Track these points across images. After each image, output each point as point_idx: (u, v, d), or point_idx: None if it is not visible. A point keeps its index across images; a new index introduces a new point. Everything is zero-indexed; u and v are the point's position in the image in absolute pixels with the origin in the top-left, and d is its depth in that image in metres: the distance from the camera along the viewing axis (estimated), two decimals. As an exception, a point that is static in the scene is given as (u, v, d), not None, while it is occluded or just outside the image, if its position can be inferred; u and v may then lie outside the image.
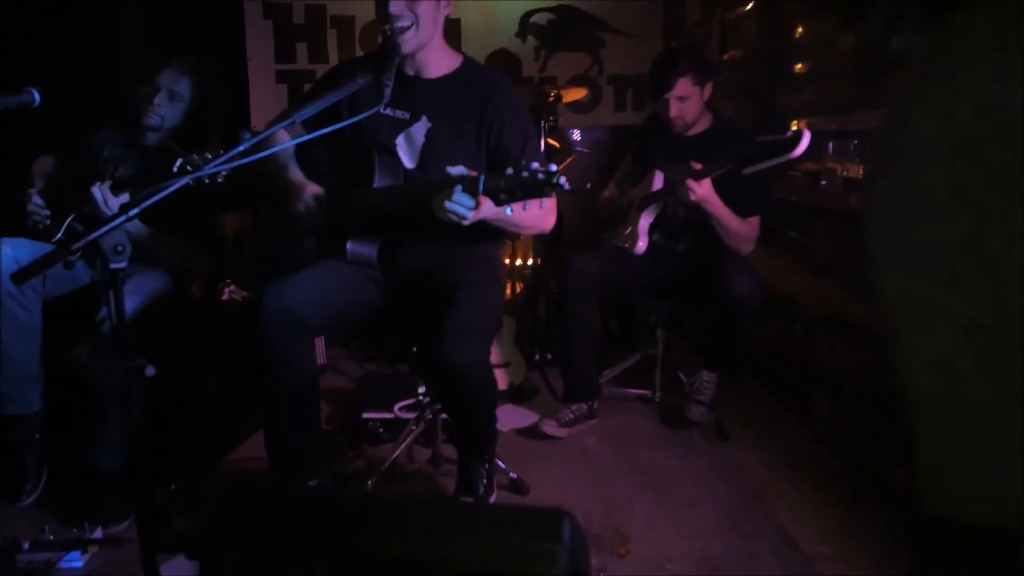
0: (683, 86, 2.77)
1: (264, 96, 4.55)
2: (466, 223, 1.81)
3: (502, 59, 4.62)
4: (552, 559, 0.82)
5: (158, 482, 2.21)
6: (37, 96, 2.08)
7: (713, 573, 2.00)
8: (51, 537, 1.99)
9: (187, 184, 1.59)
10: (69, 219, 2.36)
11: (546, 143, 3.74)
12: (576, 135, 4.87)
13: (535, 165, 1.67)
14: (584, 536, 0.84)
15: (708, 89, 2.83)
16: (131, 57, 4.19)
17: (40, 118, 2.09)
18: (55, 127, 2.67)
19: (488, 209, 1.78)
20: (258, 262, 3.11)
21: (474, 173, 1.75)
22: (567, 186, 1.66)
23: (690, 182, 2.56)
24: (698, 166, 2.57)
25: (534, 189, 1.67)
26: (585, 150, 4.65)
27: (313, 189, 2.14)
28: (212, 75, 2.68)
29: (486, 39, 4.62)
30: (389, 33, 2.04)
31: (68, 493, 2.26)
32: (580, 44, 4.66)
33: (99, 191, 2.15)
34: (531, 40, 4.66)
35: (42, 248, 2.24)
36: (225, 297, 3.30)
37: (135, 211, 1.66)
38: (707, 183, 2.57)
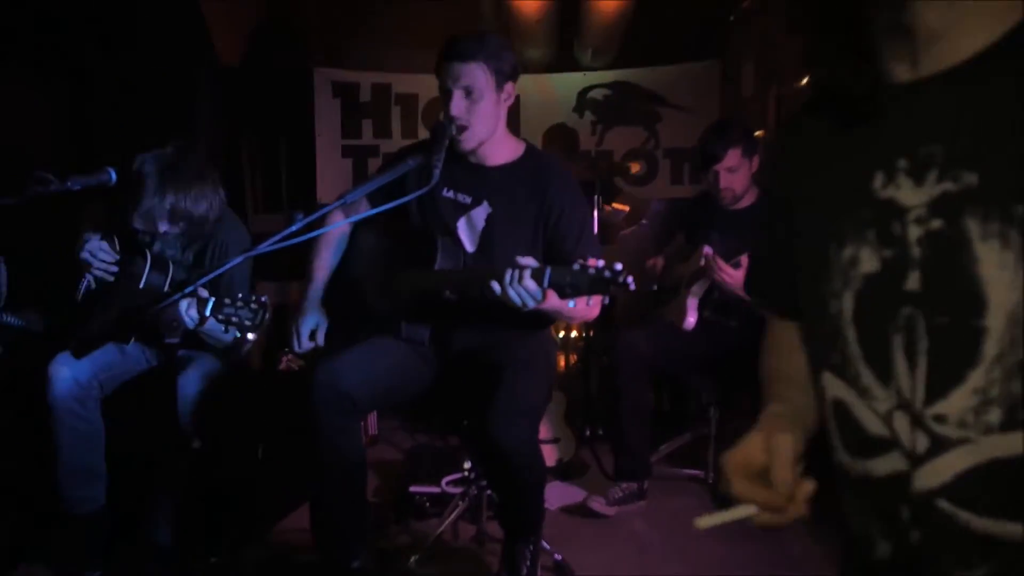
0: (733, 157, 2.78)
1: (331, 170, 4.73)
2: (525, 310, 1.84)
3: (561, 133, 4.71)
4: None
5: (203, 555, 2.24)
6: (114, 176, 2.22)
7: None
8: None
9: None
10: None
11: (614, 208, 3.77)
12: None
13: (601, 263, 1.69)
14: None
15: (756, 162, 2.83)
16: (205, 130, 4.44)
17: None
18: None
19: (552, 301, 1.80)
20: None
21: (541, 265, 1.78)
22: (633, 286, 1.67)
23: (719, 261, 2.56)
24: (744, 260, 2.55)
25: (600, 286, 1.70)
26: (643, 222, 4.66)
27: (316, 320, 2.22)
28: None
29: (544, 114, 4.74)
30: (449, 128, 2.08)
31: (126, 568, 2.32)
32: (636, 119, 4.72)
33: (185, 316, 2.10)
34: (588, 115, 4.74)
35: (99, 359, 2.30)
36: (282, 366, 3.39)
37: (191, 288, 1.75)
38: (740, 270, 2.54)
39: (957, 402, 0.70)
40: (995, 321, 0.67)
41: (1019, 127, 0.67)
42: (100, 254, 2.32)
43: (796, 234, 0.88)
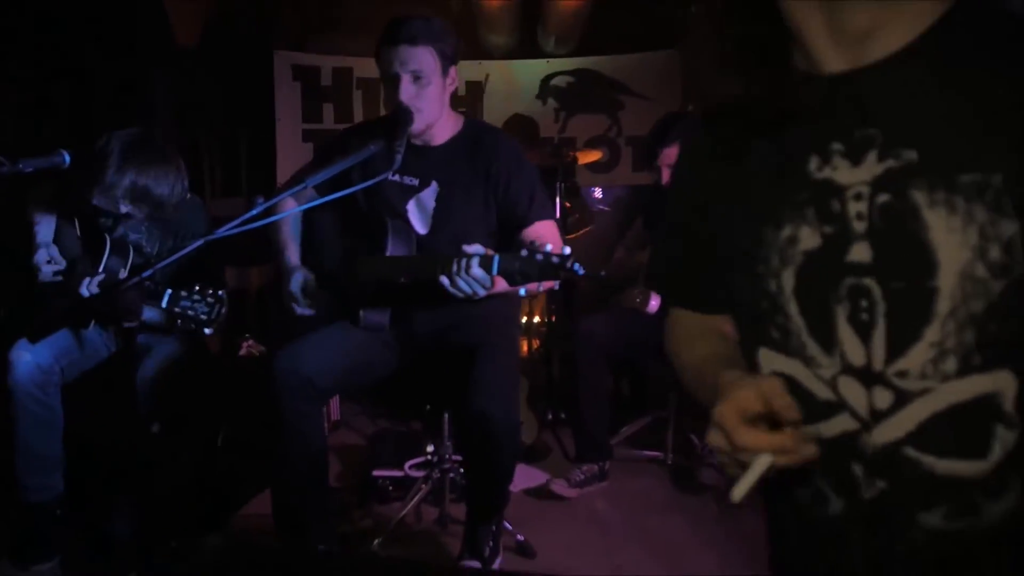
0: (672, 155, 2.83)
1: (291, 155, 4.68)
2: (476, 298, 1.84)
3: (521, 122, 4.72)
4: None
5: (161, 541, 2.22)
6: (68, 158, 2.17)
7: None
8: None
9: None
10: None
11: (563, 207, 3.78)
12: (597, 193, 4.93)
13: (549, 247, 1.70)
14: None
15: None
16: (161, 117, 4.35)
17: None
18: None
19: (501, 287, 1.80)
20: (275, 318, 3.17)
21: (490, 252, 1.78)
22: (581, 271, 1.68)
23: None
24: None
25: (548, 272, 1.70)
26: (606, 208, 4.70)
27: (302, 275, 2.16)
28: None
29: (507, 101, 4.74)
30: (398, 111, 2.08)
31: (84, 556, 2.29)
32: (599, 106, 4.75)
33: (86, 290, 2.15)
34: (551, 102, 4.76)
35: (59, 345, 2.28)
36: (243, 352, 3.36)
37: (148, 272, 1.72)
38: None
39: (916, 357, 0.77)
40: (946, 280, 0.74)
41: (948, 107, 0.75)
42: (44, 267, 2.29)
43: (718, 226, 0.93)
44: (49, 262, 2.30)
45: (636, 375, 3.65)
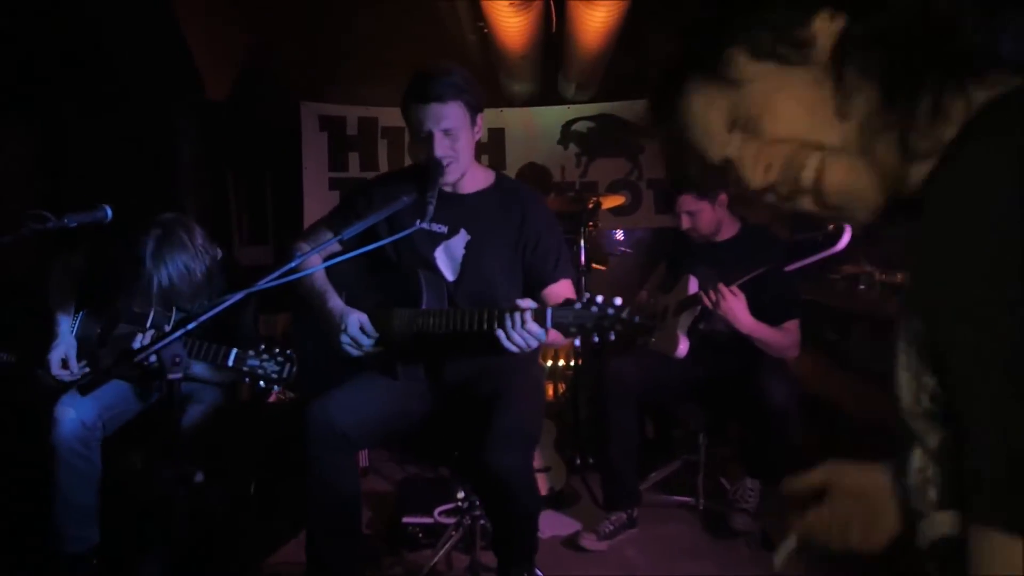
0: (687, 202, 2.87)
1: (318, 203, 4.76)
2: (528, 351, 1.86)
3: (533, 172, 4.79)
4: None
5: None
6: (110, 213, 2.23)
7: None
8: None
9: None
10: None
11: (587, 249, 3.80)
12: (619, 235, 4.97)
13: (600, 299, 1.72)
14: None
15: (721, 200, 2.89)
16: (190, 164, 4.46)
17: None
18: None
19: (553, 339, 1.82)
20: (300, 366, 3.19)
21: (541, 306, 1.80)
22: (637, 319, 1.70)
23: (721, 286, 2.60)
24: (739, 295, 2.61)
25: (604, 322, 1.72)
26: (628, 250, 4.73)
27: (357, 317, 2.15)
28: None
29: (528, 147, 4.82)
30: (432, 162, 2.11)
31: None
32: (620, 150, 4.82)
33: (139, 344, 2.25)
34: (572, 147, 4.83)
35: (103, 399, 2.34)
36: (272, 399, 3.38)
37: (192, 324, 1.76)
38: (741, 295, 2.60)
39: (913, 477, 0.78)
40: (905, 415, 0.75)
41: (941, 249, 0.67)
42: (57, 371, 2.39)
43: None
44: (64, 367, 2.40)
45: (664, 419, 3.63)
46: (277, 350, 2.05)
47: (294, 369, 2.05)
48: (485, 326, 1.89)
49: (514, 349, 1.83)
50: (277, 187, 4.98)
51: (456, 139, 2.12)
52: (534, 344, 1.82)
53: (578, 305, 1.74)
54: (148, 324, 2.25)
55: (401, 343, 2.18)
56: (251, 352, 2.05)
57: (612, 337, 1.76)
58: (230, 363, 2.05)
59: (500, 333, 1.82)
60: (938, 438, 0.73)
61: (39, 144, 4.13)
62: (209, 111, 4.47)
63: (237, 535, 2.59)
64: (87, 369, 2.40)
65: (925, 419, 0.73)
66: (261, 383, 2.07)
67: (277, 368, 2.04)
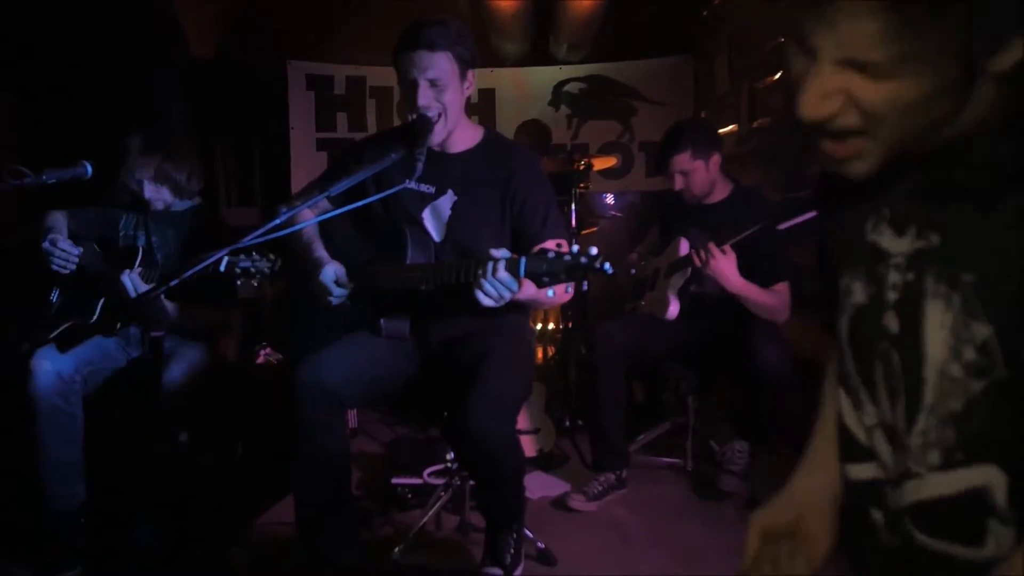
0: (682, 161, 2.83)
1: (305, 164, 4.71)
2: (503, 303, 1.84)
3: (533, 128, 4.73)
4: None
5: (184, 549, 2.23)
6: (90, 169, 2.19)
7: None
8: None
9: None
10: (100, 302, 2.41)
11: (577, 210, 3.78)
12: (609, 199, 4.93)
13: (576, 248, 1.68)
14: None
15: (715, 161, 2.87)
16: (175, 127, 4.37)
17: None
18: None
19: (528, 290, 1.79)
20: (290, 327, 3.17)
21: (515, 255, 1.77)
22: (611, 270, 1.67)
23: (711, 245, 2.58)
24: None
25: (577, 272, 1.68)
26: (618, 214, 4.70)
27: (333, 268, 2.15)
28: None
29: (520, 108, 4.76)
30: (419, 119, 2.09)
31: (107, 565, 2.30)
32: (611, 112, 4.76)
33: (128, 280, 2.22)
34: (563, 108, 4.77)
35: (81, 354, 2.31)
36: (260, 360, 3.37)
37: (175, 281, 1.73)
38: (731, 255, 2.58)
39: (913, 439, 0.78)
40: (931, 374, 0.74)
41: (969, 201, 0.72)
42: (61, 243, 2.38)
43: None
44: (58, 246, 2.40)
45: (653, 381, 3.64)
46: (265, 250, 2.09)
47: (280, 261, 2.10)
48: (462, 278, 1.86)
49: (489, 302, 1.80)
50: (264, 148, 4.91)
51: (442, 91, 2.07)
52: (507, 295, 1.78)
53: (551, 254, 1.69)
54: (136, 263, 2.23)
55: (385, 299, 2.17)
56: (242, 256, 2.05)
57: (585, 287, 1.73)
58: (222, 269, 2.05)
59: (475, 286, 1.79)
60: (965, 397, 0.72)
61: (17, 104, 4.03)
62: (194, 70, 4.38)
63: (226, 495, 2.59)
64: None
65: (962, 372, 0.72)
66: (256, 280, 2.12)
67: (269, 264, 2.09)
